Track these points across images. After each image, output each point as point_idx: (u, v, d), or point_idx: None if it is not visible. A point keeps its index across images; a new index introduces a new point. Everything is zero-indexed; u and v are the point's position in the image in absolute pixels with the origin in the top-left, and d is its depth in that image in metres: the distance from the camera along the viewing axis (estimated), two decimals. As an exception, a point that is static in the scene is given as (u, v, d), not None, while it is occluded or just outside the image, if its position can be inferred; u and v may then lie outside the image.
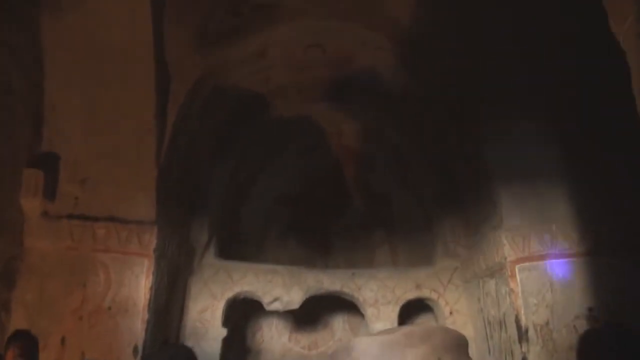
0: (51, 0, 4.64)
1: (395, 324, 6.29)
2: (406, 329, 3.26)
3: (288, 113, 6.78)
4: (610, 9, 2.49)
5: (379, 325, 6.24)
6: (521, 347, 4.79)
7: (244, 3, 5.25)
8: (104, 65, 4.94)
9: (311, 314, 7.08)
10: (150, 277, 5.10)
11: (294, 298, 6.35)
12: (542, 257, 4.91)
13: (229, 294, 6.27)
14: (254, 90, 6.26)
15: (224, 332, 6.11)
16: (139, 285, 5.06)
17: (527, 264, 4.93)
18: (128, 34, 4.82)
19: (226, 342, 6.20)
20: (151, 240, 5.17)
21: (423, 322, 6.95)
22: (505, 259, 5.00)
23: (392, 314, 6.34)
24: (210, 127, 6.12)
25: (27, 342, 3.96)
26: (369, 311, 6.38)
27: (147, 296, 5.05)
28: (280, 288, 6.35)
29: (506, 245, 4.99)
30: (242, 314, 6.94)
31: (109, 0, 4.66)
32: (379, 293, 6.42)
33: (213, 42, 5.38)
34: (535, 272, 4.90)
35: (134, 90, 5.03)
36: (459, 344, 3.15)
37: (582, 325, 4.60)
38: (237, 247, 6.85)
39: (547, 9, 4.55)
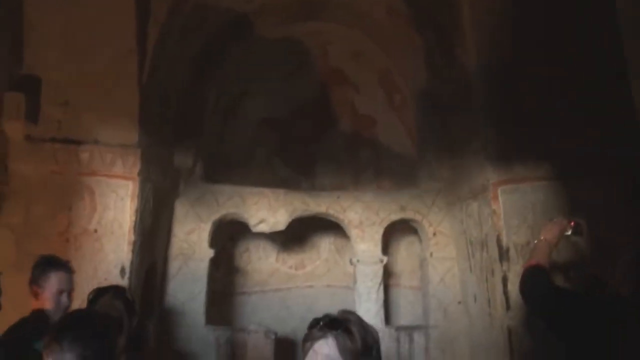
0: None
1: (380, 244, 6.42)
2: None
3: (272, 34, 6.65)
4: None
5: (363, 247, 6.39)
6: (502, 266, 4.90)
7: None
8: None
9: (298, 236, 7.17)
10: (136, 200, 5.14)
11: (280, 220, 6.41)
12: (524, 180, 4.96)
13: (215, 216, 6.31)
14: (236, 9, 6.09)
15: (211, 252, 6.19)
16: (125, 207, 5.10)
17: (509, 186, 4.98)
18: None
19: (213, 262, 6.32)
20: (135, 163, 5.17)
21: (407, 242, 7.09)
22: (488, 181, 5.05)
23: (376, 235, 6.43)
24: (192, 48, 5.98)
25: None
26: (353, 232, 6.47)
27: (133, 218, 5.11)
28: (266, 210, 6.39)
29: (489, 168, 5.03)
30: (229, 235, 7.01)
31: None
32: (364, 215, 6.48)
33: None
34: (517, 194, 4.95)
35: (115, 10, 4.91)
36: None
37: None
38: (222, 171, 6.85)
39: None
